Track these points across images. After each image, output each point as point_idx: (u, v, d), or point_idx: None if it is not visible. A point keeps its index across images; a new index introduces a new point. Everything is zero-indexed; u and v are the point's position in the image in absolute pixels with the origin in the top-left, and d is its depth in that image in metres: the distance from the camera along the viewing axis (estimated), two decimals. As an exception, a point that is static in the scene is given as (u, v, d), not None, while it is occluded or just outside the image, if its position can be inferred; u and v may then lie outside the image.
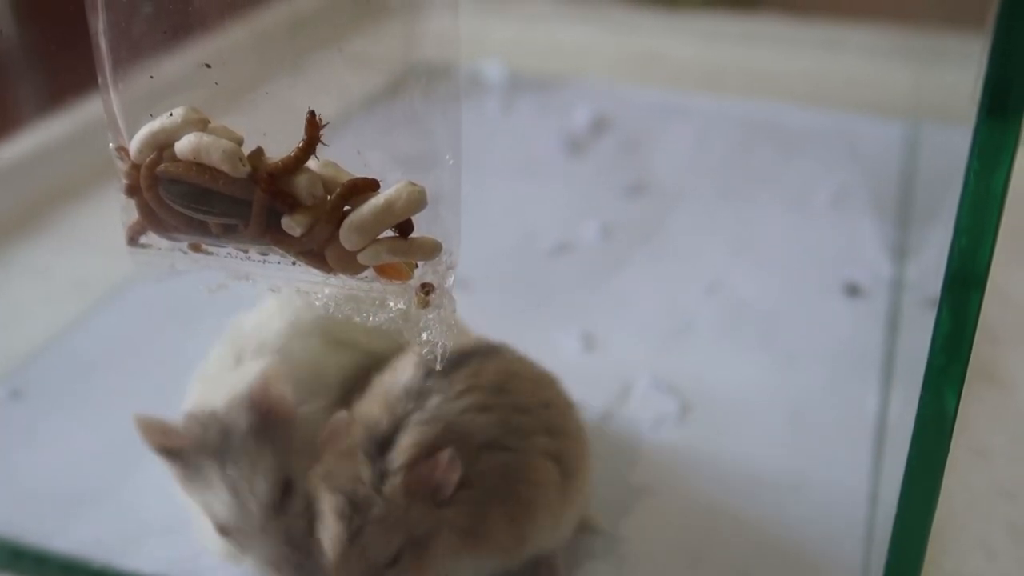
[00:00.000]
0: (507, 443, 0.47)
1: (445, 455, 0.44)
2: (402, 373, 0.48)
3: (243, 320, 0.52)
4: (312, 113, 0.35)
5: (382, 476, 0.44)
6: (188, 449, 0.46)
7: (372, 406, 0.47)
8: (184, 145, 0.36)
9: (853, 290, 0.73)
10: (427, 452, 0.44)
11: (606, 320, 0.70)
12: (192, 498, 0.47)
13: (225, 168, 0.35)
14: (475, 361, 0.48)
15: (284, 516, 0.46)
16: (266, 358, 0.49)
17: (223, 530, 0.46)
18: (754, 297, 0.73)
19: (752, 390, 0.64)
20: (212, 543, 0.48)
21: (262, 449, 0.45)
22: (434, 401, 0.46)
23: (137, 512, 0.55)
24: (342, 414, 0.46)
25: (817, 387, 0.64)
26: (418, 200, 0.35)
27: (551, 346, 0.53)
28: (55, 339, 0.69)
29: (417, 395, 0.47)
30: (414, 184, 0.35)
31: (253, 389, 0.46)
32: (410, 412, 0.46)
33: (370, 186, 0.36)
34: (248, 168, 0.35)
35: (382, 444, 0.45)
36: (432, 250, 0.36)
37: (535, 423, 0.48)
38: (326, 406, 0.49)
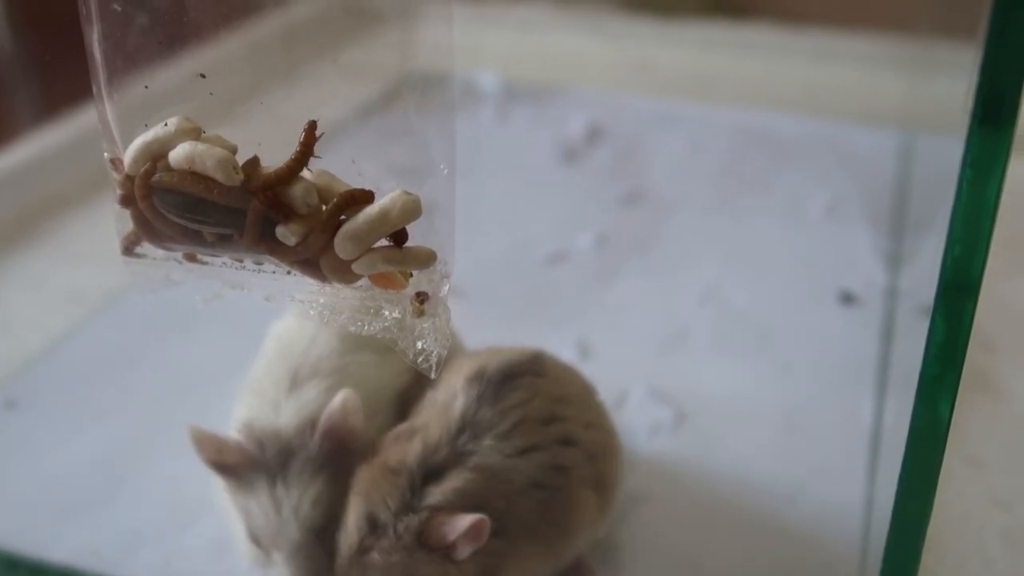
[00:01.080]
0: (550, 482, 0.46)
1: (470, 521, 0.42)
2: (453, 394, 0.47)
3: (288, 329, 0.51)
4: (312, 123, 0.35)
5: (409, 509, 0.43)
6: (241, 465, 0.46)
7: (433, 428, 0.46)
8: (178, 154, 0.36)
9: (848, 298, 0.74)
10: (465, 502, 0.44)
11: (601, 329, 0.70)
12: (234, 500, 0.47)
13: (219, 176, 0.35)
14: (525, 381, 0.48)
15: (323, 542, 0.46)
16: (324, 380, 0.48)
17: (255, 539, 0.47)
18: (749, 305, 0.73)
19: (747, 398, 0.64)
20: (242, 543, 0.48)
21: (318, 477, 0.46)
22: (486, 443, 0.45)
23: (132, 521, 0.55)
24: (406, 426, 0.46)
25: (812, 395, 0.64)
26: (413, 209, 0.35)
27: (546, 355, 0.53)
28: (50, 349, 0.69)
29: (473, 428, 0.46)
30: (409, 193, 0.36)
31: (331, 420, 0.46)
32: (469, 453, 0.45)
33: (366, 198, 0.36)
34: (242, 177, 0.35)
35: (429, 475, 0.44)
36: (427, 259, 0.36)
37: (579, 454, 0.48)
38: (384, 423, 0.49)
